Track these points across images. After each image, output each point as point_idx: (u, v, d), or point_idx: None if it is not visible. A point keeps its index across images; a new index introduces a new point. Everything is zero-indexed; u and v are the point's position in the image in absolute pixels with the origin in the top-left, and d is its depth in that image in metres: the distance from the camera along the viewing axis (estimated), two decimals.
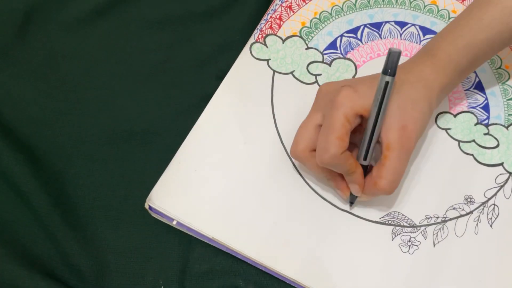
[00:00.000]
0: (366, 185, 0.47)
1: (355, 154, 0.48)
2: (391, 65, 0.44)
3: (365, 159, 0.47)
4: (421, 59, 0.49)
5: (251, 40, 0.58)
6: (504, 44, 0.49)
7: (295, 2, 0.60)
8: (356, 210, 0.51)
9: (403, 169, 0.46)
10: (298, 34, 0.58)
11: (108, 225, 0.52)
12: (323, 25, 0.59)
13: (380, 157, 0.46)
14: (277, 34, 0.58)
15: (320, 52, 0.57)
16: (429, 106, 0.47)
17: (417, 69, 0.47)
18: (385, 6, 0.59)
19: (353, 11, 0.59)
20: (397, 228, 0.50)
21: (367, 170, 0.48)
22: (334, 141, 0.44)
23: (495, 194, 0.51)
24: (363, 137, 0.46)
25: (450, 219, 0.50)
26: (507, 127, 0.54)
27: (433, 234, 0.50)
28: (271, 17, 0.59)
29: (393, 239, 0.50)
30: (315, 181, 0.52)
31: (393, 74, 0.44)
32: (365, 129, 0.46)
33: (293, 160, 0.52)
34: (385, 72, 0.44)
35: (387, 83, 0.44)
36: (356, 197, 0.49)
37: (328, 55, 0.57)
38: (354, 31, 0.58)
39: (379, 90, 0.44)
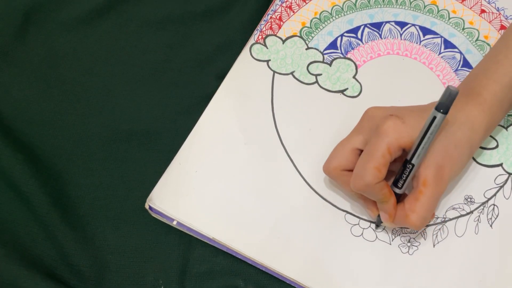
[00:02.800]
0: (396, 215, 0.47)
1: (391, 182, 0.48)
2: (447, 103, 0.43)
3: (400, 187, 0.47)
4: (467, 98, 0.48)
5: (251, 41, 0.58)
6: None
7: (295, 2, 0.60)
8: (356, 210, 0.51)
9: (434, 207, 0.46)
10: (298, 34, 0.58)
11: (108, 225, 0.52)
12: (323, 25, 0.59)
13: (413, 191, 0.46)
14: (277, 34, 0.58)
15: (320, 52, 0.57)
16: (471, 149, 0.47)
17: (466, 110, 0.47)
18: (385, 6, 0.59)
19: (353, 11, 0.59)
20: (397, 228, 0.50)
21: (399, 198, 0.47)
22: (371, 170, 0.44)
23: (495, 195, 0.51)
24: (403, 166, 0.46)
25: (450, 219, 0.50)
26: (506, 128, 0.54)
27: (433, 234, 0.50)
28: (271, 17, 0.59)
29: (393, 239, 0.50)
30: (316, 181, 0.52)
31: (446, 113, 0.43)
32: (406, 159, 0.46)
33: (293, 159, 0.53)
34: (438, 108, 0.43)
35: (435, 117, 0.43)
36: (382, 222, 0.49)
37: (328, 55, 0.57)
38: (354, 31, 0.58)
39: (427, 124, 0.44)
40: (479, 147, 0.50)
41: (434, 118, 0.43)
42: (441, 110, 0.43)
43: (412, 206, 0.45)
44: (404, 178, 0.46)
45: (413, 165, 0.45)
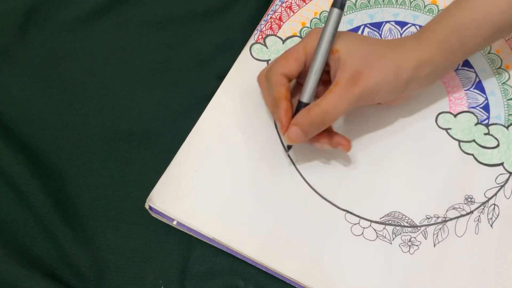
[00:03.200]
0: (300, 114, 0.47)
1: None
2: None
3: (307, 97, 0.47)
4: (408, 36, 0.49)
5: (251, 40, 0.58)
6: (495, 28, 0.47)
7: (295, 3, 0.60)
8: (356, 210, 0.51)
9: (340, 106, 0.46)
10: (298, 35, 0.58)
11: (108, 225, 0.52)
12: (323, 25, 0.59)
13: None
14: (277, 34, 0.58)
15: None
16: (397, 69, 0.46)
17: (401, 40, 0.48)
18: (385, 6, 0.59)
19: (353, 11, 0.59)
20: (397, 228, 0.50)
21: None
22: (280, 60, 0.48)
23: (495, 194, 0.51)
24: (308, 74, 0.47)
25: (451, 219, 0.50)
26: (507, 127, 0.53)
27: (434, 234, 0.50)
28: (271, 17, 0.59)
29: (393, 239, 0.50)
30: (316, 181, 0.52)
31: (340, 7, 0.45)
32: (310, 66, 0.47)
33: (293, 159, 0.53)
34: (334, 4, 0.45)
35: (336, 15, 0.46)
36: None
37: None
38: (354, 31, 0.58)
39: (327, 22, 0.46)
40: (412, 79, 0.48)
41: (331, 14, 0.46)
42: (337, 5, 0.45)
43: (317, 101, 0.46)
44: (309, 85, 0.47)
45: (317, 70, 0.46)
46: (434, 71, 0.48)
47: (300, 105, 0.48)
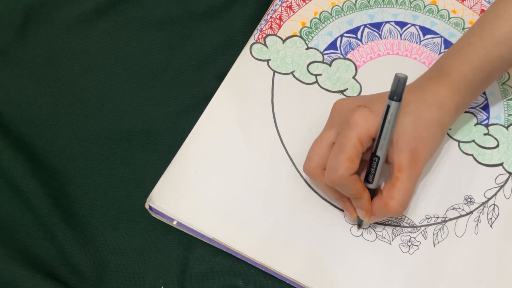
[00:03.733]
0: (376, 206, 0.47)
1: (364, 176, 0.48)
2: (398, 90, 0.43)
3: (371, 182, 0.47)
4: (436, 79, 0.48)
5: (251, 40, 0.58)
6: None
7: (295, 2, 0.60)
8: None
9: (412, 190, 0.46)
10: (298, 34, 0.58)
11: (108, 225, 0.52)
12: (323, 25, 0.59)
13: (389, 178, 0.46)
14: (277, 34, 0.58)
15: (320, 52, 0.57)
16: (442, 128, 0.47)
17: (433, 90, 0.47)
18: (385, 6, 0.59)
19: (353, 11, 0.59)
20: (397, 228, 0.50)
21: (374, 193, 0.48)
22: (343, 162, 0.44)
23: (495, 194, 0.51)
24: (370, 160, 0.46)
25: (450, 219, 0.50)
26: (507, 127, 0.54)
27: (433, 234, 0.50)
28: (271, 17, 0.59)
29: (393, 239, 0.50)
30: None
31: (399, 100, 0.44)
32: (372, 152, 0.46)
33: (293, 159, 0.53)
34: (391, 97, 0.44)
35: (389, 106, 0.44)
36: (362, 220, 0.49)
37: (328, 55, 0.57)
38: (354, 31, 0.58)
39: (385, 115, 0.44)
40: (449, 127, 0.50)
41: (389, 107, 0.44)
42: (394, 98, 0.44)
43: (390, 193, 0.45)
44: (373, 172, 0.46)
45: (378, 158, 0.45)
46: (464, 110, 0.50)
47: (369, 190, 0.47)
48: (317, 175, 0.48)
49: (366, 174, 0.47)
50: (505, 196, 0.51)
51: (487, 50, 0.47)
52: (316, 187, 0.52)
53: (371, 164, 0.46)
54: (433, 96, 0.47)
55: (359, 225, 0.50)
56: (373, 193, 0.48)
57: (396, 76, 0.43)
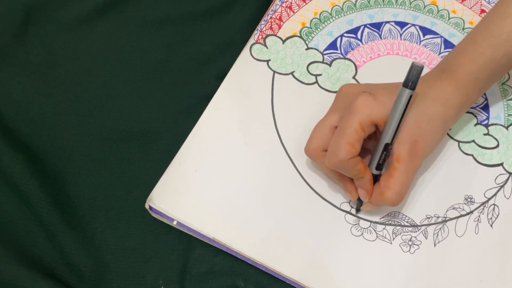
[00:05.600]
0: (374, 195, 0.47)
1: (367, 160, 0.48)
2: (413, 79, 0.44)
3: (377, 169, 0.47)
4: (442, 76, 0.48)
5: (251, 40, 0.58)
6: None
7: (295, 2, 0.60)
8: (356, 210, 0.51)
9: (410, 182, 0.46)
10: (298, 35, 0.58)
11: (108, 225, 0.52)
12: (323, 25, 0.59)
13: (388, 168, 0.47)
14: (277, 34, 0.58)
15: (320, 52, 0.57)
16: (444, 124, 0.47)
17: (439, 87, 0.47)
18: (385, 6, 0.59)
19: (353, 11, 0.59)
20: (397, 228, 0.50)
21: (377, 179, 0.48)
22: (344, 146, 0.45)
23: (495, 194, 0.51)
24: (377, 147, 0.46)
25: (451, 219, 0.50)
26: (507, 128, 0.54)
27: (434, 234, 0.50)
28: (271, 17, 0.59)
29: (393, 238, 0.50)
30: (316, 181, 0.52)
31: (413, 88, 0.44)
32: (379, 139, 0.46)
33: (293, 159, 0.53)
34: (406, 85, 0.44)
35: (408, 96, 0.44)
36: (362, 204, 0.49)
37: (328, 55, 0.57)
38: (354, 31, 0.58)
39: (398, 102, 0.44)
40: (453, 124, 0.50)
41: (402, 94, 0.44)
42: (408, 86, 0.44)
43: (387, 183, 0.46)
44: (379, 158, 0.46)
45: (387, 144, 0.46)
46: (469, 107, 0.50)
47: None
48: (317, 156, 0.49)
49: (371, 161, 0.47)
50: (505, 196, 0.51)
51: (493, 49, 0.47)
52: (318, 168, 0.52)
53: (378, 150, 0.46)
54: (438, 92, 0.47)
55: (358, 209, 0.50)
56: (376, 178, 0.48)
57: (412, 64, 0.43)
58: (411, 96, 0.44)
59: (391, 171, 0.46)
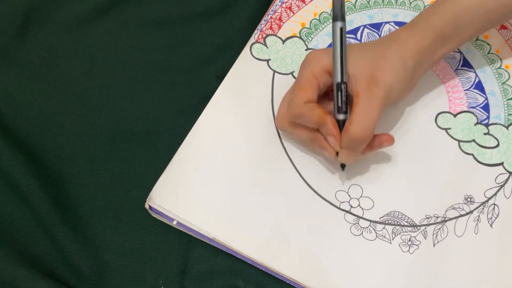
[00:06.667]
0: (342, 136, 0.47)
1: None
2: (341, 11, 0.46)
3: (339, 112, 0.47)
4: (401, 28, 0.50)
5: (251, 40, 0.58)
6: (488, 16, 0.48)
7: (295, 3, 0.60)
8: (356, 210, 0.51)
9: (374, 114, 0.46)
10: (298, 35, 0.58)
11: (108, 225, 0.52)
12: (323, 26, 0.59)
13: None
14: (277, 34, 0.58)
15: None
16: (403, 61, 0.47)
17: (394, 34, 0.49)
18: (385, 6, 0.59)
19: (352, 11, 0.59)
20: (397, 227, 0.50)
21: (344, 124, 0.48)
22: (297, 93, 0.47)
23: (495, 194, 0.51)
24: (333, 91, 0.47)
25: (450, 219, 0.50)
26: (507, 127, 0.54)
27: (433, 234, 0.50)
28: (271, 17, 0.59)
29: (393, 238, 0.50)
30: (315, 181, 0.52)
31: (343, 19, 0.46)
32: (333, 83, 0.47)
33: (292, 159, 0.53)
34: (335, 18, 0.46)
35: (341, 29, 0.46)
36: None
37: None
38: (353, 31, 0.58)
39: (334, 37, 0.46)
40: (421, 70, 0.50)
41: (335, 28, 0.47)
42: (337, 18, 0.46)
43: (350, 120, 0.46)
44: (336, 99, 0.47)
45: (339, 84, 0.47)
46: (434, 57, 0.50)
47: (339, 124, 0.48)
48: (285, 125, 0.50)
49: (334, 108, 0.48)
50: (505, 195, 0.51)
51: (454, 1, 0.48)
52: (290, 139, 0.53)
53: (335, 93, 0.47)
54: (391, 36, 0.49)
55: (342, 166, 0.51)
56: (343, 124, 0.47)
57: None
58: (342, 29, 0.46)
59: (353, 108, 0.46)
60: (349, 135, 0.46)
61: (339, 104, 0.47)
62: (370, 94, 0.46)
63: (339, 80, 0.47)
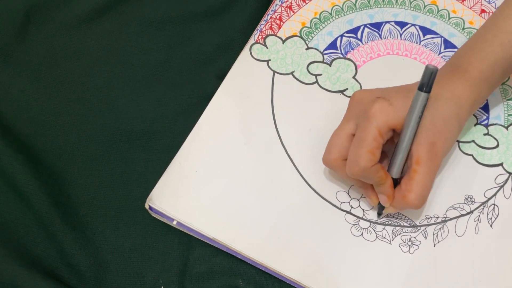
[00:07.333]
0: (397, 199, 0.47)
1: (386, 164, 0.48)
2: (429, 82, 0.43)
3: (394, 173, 0.47)
4: (454, 75, 0.48)
5: (251, 41, 0.58)
6: None
7: (295, 2, 0.60)
8: (356, 210, 0.51)
9: (431, 184, 0.46)
10: (298, 34, 0.58)
11: (108, 225, 0.52)
12: (323, 25, 0.59)
13: (408, 170, 0.46)
14: (277, 34, 0.58)
15: (320, 52, 0.57)
16: (459, 124, 0.47)
17: (452, 86, 0.47)
18: (385, 6, 0.59)
19: (353, 11, 0.59)
20: (397, 228, 0.50)
21: (397, 182, 0.48)
22: (364, 155, 0.44)
23: (495, 194, 0.51)
24: (395, 151, 0.46)
25: (450, 219, 0.50)
26: (506, 128, 0.54)
27: (433, 234, 0.50)
28: (271, 17, 0.59)
29: (393, 239, 0.50)
30: (316, 181, 0.52)
31: (429, 91, 0.44)
32: (397, 144, 0.46)
33: (293, 160, 0.53)
34: (421, 88, 0.44)
35: (424, 100, 0.44)
36: (383, 208, 0.49)
37: (328, 55, 0.57)
38: (354, 31, 0.58)
39: (414, 106, 0.44)
40: (465, 122, 0.49)
41: (418, 98, 0.44)
42: (424, 89, 0.44)
43: (408, 186, 0.46)
44: (398, 162, 0.46)
45: (405, 147, 0.46)
46: (480, 105, 0.51)
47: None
48: (337, 166, 0.48)
49: (390, 166, 0.47)
50: (505, 196, 0.51)
51: (503, 47, 0.47)
52: (337, 178, 0.52)
53: (397, 155, 0.46)
54: (451, 92, 0.47)
55: (379, 213, 0.50)
56: (396, 182, 0.47)
57: (427, 67, 0.43)
58: (426, 99, 0.44)
59: (411, 174, 0.45)
60: (406, 202, 0.46)
61: (398, 167, 0.47)
62: (430, 164, 0.45)
63: (408, 146, 0.46)
